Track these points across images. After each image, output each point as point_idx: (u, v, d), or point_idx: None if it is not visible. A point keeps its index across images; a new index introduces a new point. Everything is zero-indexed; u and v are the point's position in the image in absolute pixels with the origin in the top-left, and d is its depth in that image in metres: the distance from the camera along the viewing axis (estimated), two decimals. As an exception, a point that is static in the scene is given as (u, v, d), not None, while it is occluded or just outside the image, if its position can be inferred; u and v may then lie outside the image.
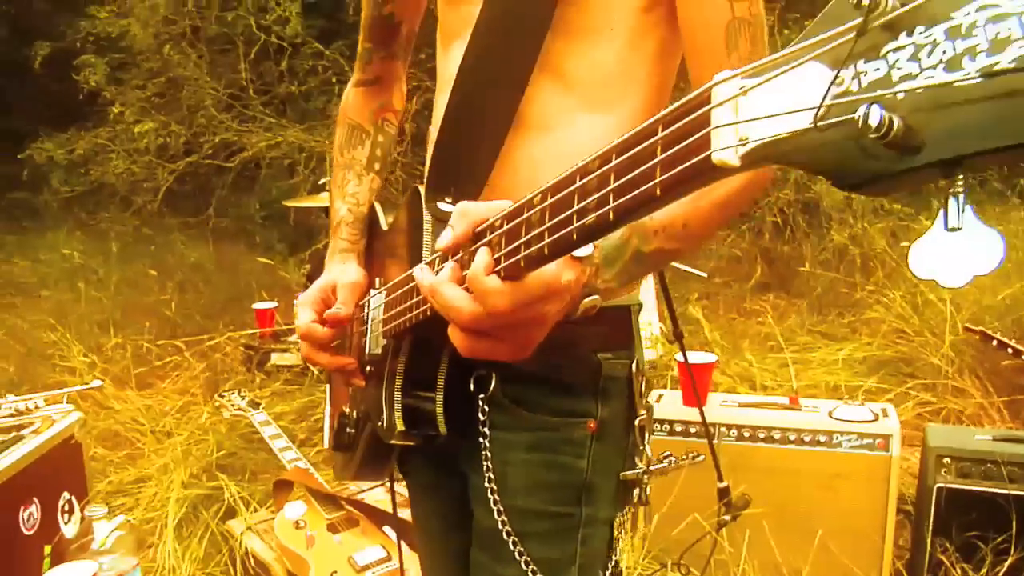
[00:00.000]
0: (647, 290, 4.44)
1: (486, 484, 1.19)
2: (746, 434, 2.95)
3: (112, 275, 6.90)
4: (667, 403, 3.12)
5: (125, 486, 3.49)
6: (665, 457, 3.00)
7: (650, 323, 4.22)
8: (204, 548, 3.06)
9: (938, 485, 2.90)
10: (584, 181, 0.73)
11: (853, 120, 0.47)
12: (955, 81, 0.43)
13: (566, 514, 1.20)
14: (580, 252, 0.87)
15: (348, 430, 1.37)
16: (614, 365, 1.20)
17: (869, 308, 5.32)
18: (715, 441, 2.91)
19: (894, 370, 4.60)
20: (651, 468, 1.24)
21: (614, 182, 0.69)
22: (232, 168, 7.16)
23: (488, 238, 0.86)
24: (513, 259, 0.82)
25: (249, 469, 3.52)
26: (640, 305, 1.28)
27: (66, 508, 2.84)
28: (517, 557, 1.18)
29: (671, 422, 3.03)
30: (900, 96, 0.46)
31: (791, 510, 2.88)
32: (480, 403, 1.18)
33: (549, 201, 0.77)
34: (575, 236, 0.75)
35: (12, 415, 2.90)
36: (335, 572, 2.70)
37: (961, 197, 0.46)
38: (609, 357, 1.19)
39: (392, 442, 1.17)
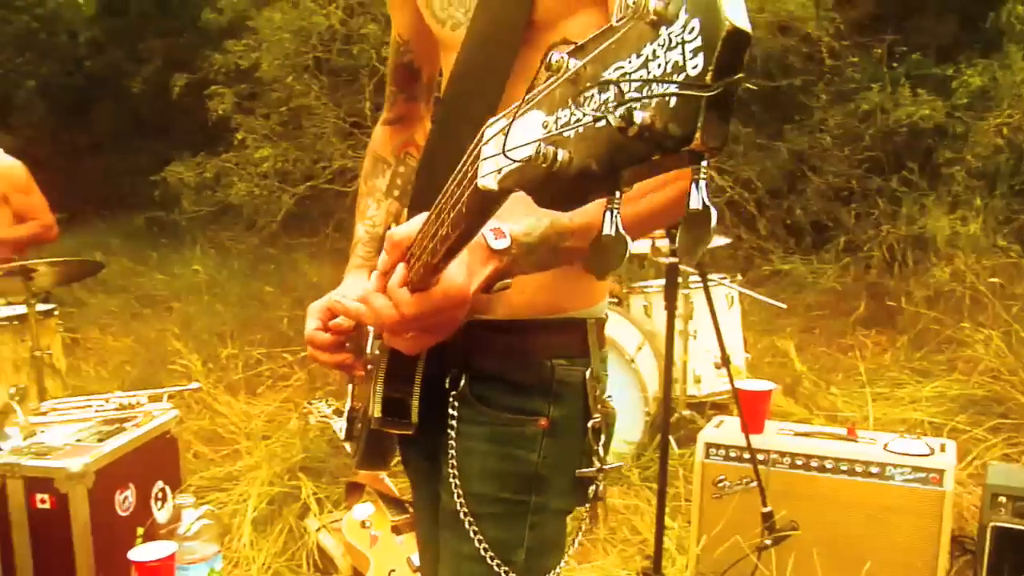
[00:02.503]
0: (731, 323, 4.51)
1: (449, 470, 1.35)
2: (799, 462, 3.00)
3: (234, 290, 7.35)
4: (726, 429, 3.20)
5: (217, 481, 3.78)
6: (719, 482, 3.09)
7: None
8: (282, 542, 3.30)
9: (992, 523, 2.89)
10: (439, 206, 0.92)
11: (535, 155, 0.63)
12: (595, 122, 0.59)
13: (517, 501, 1.34)
14: (498, 245, 1.07)
15: (356, 423, 1.56)
16: (568, 371, 1.33)
17: (968, 346, 5.23)
18: (768, 468, 2.99)
19: (984, 409, 4.52)
20: (604, 468, 1.36)
21: (448, 207, 0.89)
22: (351, 192, 7.52)
23: (409, 254, 1.05)
24: (412, 270, 1.01)
25: (329, 472, 3.76)
26: (601, 320, 1.40)
27: (159, 495, 3.12)
28: (472, 536, 1.33)
29: (727, 447, 3.11)
30: (568, 135, 0.63)
31: (841, 540, 2.92)
32: (451, 399, 1.35)
33: (431, 221, 0.96)
34: (437, 258, 0.95)
35: (117, 409, 3.21)
36: (393, 571, 2.89)
37: (702, 183, 0.60)
38: (563, 364, 1.33)
39: (372, 428, 1.34)
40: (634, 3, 0.57)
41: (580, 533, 1.43)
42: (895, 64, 6.96)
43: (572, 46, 0.65)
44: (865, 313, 6.20)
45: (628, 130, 0.57)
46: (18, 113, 11.22)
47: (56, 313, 4.31)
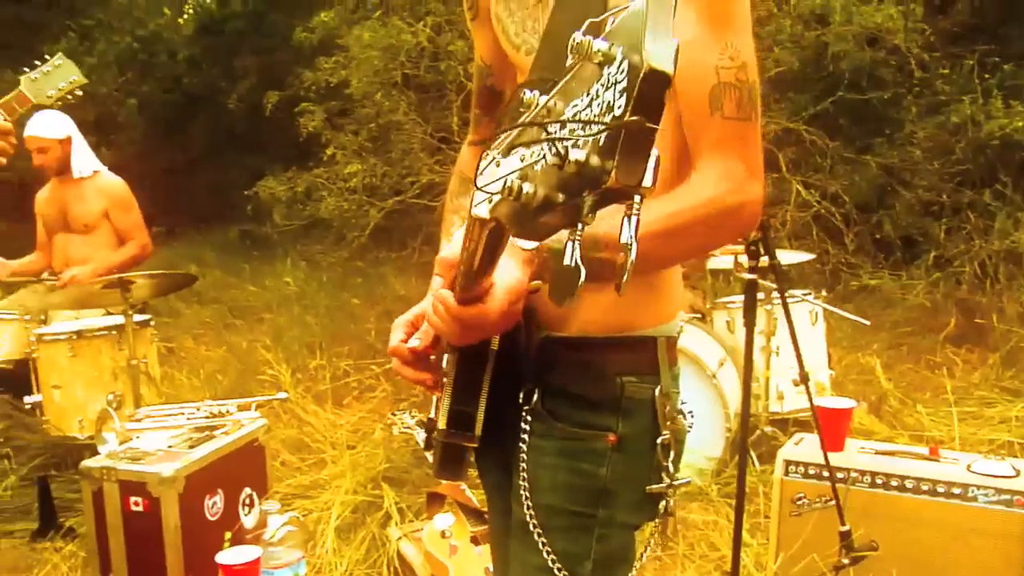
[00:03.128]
0: (815, 339, 4.46)
1: (520, 482, 1.39)
2: (879, 481, 2.96)
3: (323, 302, 7.52)
4: (806, 446, 3.17)
5: (303, 488, 3.89)
6: (797, 499, 3.07)
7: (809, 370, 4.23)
8: (364, 549, 3.38)
9: (1080, 548, 2.81)
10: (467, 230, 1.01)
11: (504, 188, 0.69)
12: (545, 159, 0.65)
13: (584, 513, 1.37)
14: (525, 244, 1.12)
15: (432, 434, 1.61)
16: (637, 388, 1.36)
17: (1064, 366, 5.08)
18: (847, 487, 2.96)
19: (1078, 431, 4.39)
20: (674, 483, 1.38)
21: (467, 232, 1.01)
22: (438, 207, 7.63)
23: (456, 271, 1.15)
24: (458, 284, 1.11)
25: (411, 482, 3.84)
26: (673, 337, 1.43)
27: (247, 501, 3.23)
28: (541, 547, 1.36)
29: (806, 465, 3.08)
30: (536, 168, 0.68)
31: (920, 561, 2.86)
32: (524, 413, 1.39)
33: (464, 244, 1.04)
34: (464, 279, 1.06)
35: (207, 417, 3.34)
36: (471, 580, 2.94)
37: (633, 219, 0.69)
38: (632, 380, 1.36)
39: (438, 440, 1.38)
40: (578, 44, 0.61)
41: (648, 548, 1.46)
42: (987, 75, 6.78)
43: (547, 82, 0.70)
44: (955, 330, 6.04)
45: (565, 167, 0.61)
46: (120, 130, 11.68)
47: (152, 324, 4.49)
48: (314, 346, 6.32)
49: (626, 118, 0.57)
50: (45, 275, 4.84)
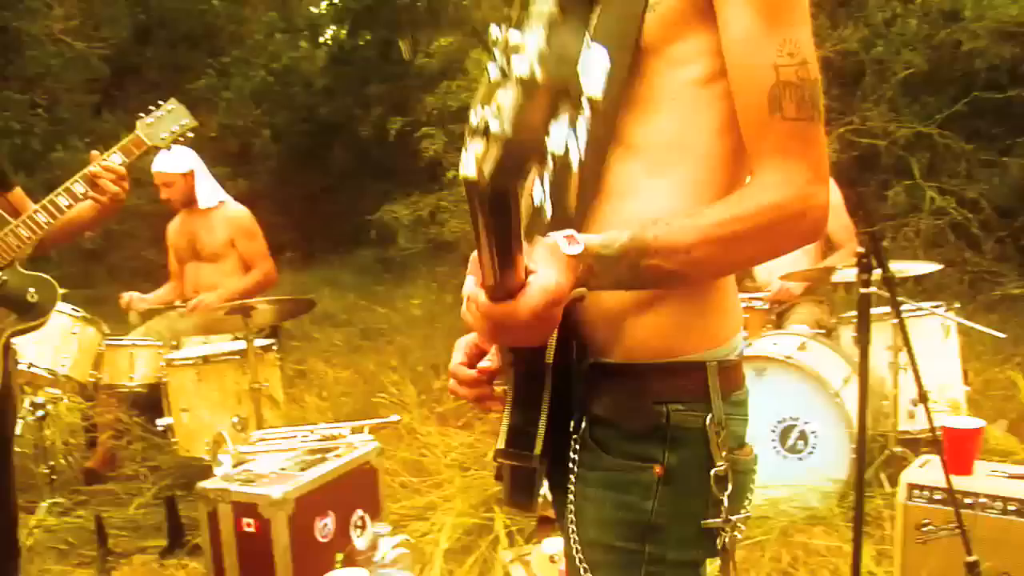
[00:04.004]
0: (947, 353, 4.23)
1: (569, 515, 1.34)
2: (1011, 508, 2.76)
3: (448, 323, 7.59)
4: (932, 469, 3.00)
5: (419, 510, 3.91)
6: (922, 526, 2.91)
7: (941, 388, 4.03)
8: (476, 573, 3.37)
9: None
10: None
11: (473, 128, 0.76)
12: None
13: (631, 550, 1.30)
14: (571, 251, 1.09)
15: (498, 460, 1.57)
16: (685, 416, 1.28)
17: None
18: (975, 513, 2.78)
19: None
20: (731, 518, 1.30)
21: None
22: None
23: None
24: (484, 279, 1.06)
25: (524, 504, 3.80)
26: (728, 362, 1.33)
27: (358, 523, 3.26)
28: None
29: (931, 489, 2.91)
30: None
31: (1061, 593, 2.67)
32: (572, 442, 1.33)
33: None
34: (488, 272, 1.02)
35: (321, 440, 3.40)
36: (578, 604, 2.88)
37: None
38: (680, 408, 1.28)
39: (500, 461, 1.33)
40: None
41: None
42: None
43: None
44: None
45: (509, 83, 0.77)
46: (256, 160, 12.14)
47: (275, 348, 4.62)
48: (439, 367, 6.37)
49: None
50: (178, 303, 5.05)
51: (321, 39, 13.78)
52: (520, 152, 0.83)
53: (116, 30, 11.21)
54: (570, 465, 1.34)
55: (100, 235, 9.48)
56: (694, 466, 1.29)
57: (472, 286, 1.09)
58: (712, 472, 1.28)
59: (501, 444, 1.30)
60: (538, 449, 1.28)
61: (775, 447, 3.82)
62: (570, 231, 1.12)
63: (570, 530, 1.34)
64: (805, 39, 1.17)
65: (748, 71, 1.17)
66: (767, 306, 4.63)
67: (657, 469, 1.28)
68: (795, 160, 1.17)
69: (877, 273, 2.89)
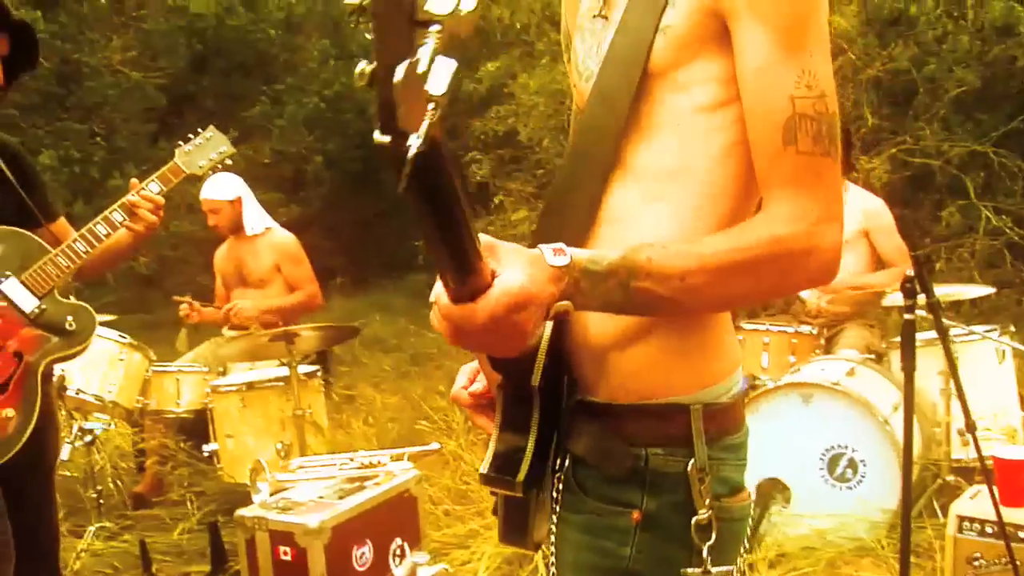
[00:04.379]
0: (1002, 379, 4.11)
1: (550, 557, 1.30)
2: (1068, 541, 2.68)
3: (497, 349, 7.56)
4: (983, 500, 2.90)
5: (460, 538, 3.88)
6: (973, 559, 2.82)
7: (995, 415, 3.91)
8: (516, 603, 3.34)
9: None
10: None
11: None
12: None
13: None
14: (556, 262, 1.05)
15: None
16: (665, 461, 1.23)
17: None
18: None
19: None
20: (711, 570, 1.23)
21: None
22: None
23: None
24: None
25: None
26: (716, 405, 1.26)
27: (397, 552, 3.24)
28: None
29: (982, 521, 2.82)
30: None
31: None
32: (556, 481, 1.28)
33: None
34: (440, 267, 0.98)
35: (360, 468, 3.39)
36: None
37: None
38: (659, 452, 1.23)
39: (484, 484, 1.26)
40: None
41: None
42: None
43: None
44: None
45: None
46: (308, 187, 12.28)
47: (320, 374, 4.64)
48: (488, 392, 6.34)
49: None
50: (224, 329, 5.11)
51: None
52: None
53: (173, 60, 11.45)
54: (553, 505, 1.30)
55: (155, 260, 9.66)
56: (674, 513, 1.24)
57: (438, 288, 1.04)
58: (693, 520, 1.23)
59: (484, 468, 1.24)
60: (522, 475, 1.22)
61: (823, 476, 3.73)
62: (559, 243, 1.08)
63: (550, 573, 1.30)
64: (824, 72, 1.14)
65: (764, 101, 1.13)
66: (815, 330, 4.55)
67: (635, 515, 1.24)
68: (806, 195, 1.12)
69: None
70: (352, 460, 3.43)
